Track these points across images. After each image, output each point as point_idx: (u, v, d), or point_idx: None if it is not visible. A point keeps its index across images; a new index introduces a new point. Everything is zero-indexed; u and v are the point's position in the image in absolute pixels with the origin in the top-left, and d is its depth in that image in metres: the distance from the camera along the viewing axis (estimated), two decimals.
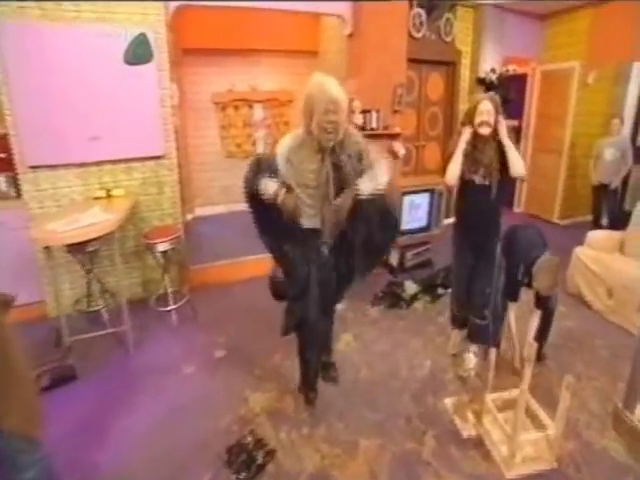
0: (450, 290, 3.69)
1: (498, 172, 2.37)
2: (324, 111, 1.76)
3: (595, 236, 3.72)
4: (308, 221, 2.06)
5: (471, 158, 2.40)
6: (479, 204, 2.47)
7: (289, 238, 2.09)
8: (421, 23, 4.72)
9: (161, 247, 2.90)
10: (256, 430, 2.20)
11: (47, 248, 2.52)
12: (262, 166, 2.01)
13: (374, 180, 1.95)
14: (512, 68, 5.48)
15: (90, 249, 2.70)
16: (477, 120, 2.34)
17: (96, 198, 3.11)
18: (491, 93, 2.48)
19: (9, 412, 1.22)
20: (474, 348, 2.74)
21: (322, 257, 2.10)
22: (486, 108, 2.33)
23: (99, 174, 3.23)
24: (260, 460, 1.99)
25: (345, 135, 1.93)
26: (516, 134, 6.33)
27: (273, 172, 1.97)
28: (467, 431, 2.23)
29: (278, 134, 6.26)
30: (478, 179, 2.41)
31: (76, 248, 2.59)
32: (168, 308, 3.14)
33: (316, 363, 2.36)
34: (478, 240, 2.56)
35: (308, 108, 1.82)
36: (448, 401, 2.43)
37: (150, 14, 3.15)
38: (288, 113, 6.27)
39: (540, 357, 2.71)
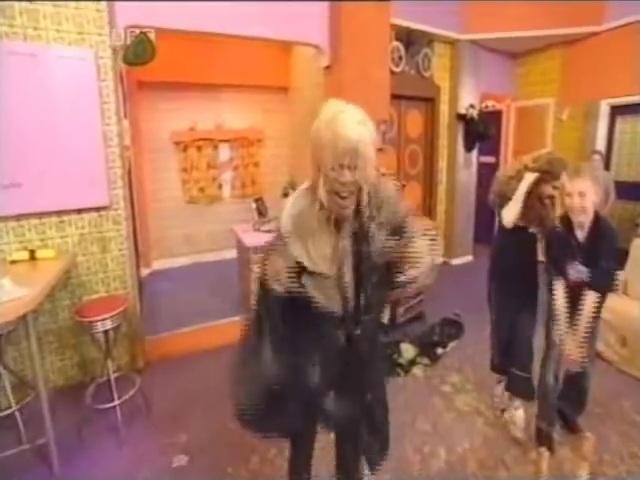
0: (450, 346, 3.39)
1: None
2: (337, 166, 1.16)
3: None
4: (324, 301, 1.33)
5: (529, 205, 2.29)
6: (530, 254, 2.42)
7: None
8: (400, 57, 4.55)
9: (102, 326, 2.24)
10: None
11: None
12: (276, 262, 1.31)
13: (426, 260, 1.33)
14: (491, 104, 5.37)
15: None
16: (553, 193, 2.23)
17: (13, 262, 2.39)
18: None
19: None
20: (518, 403, 2.48)
21: (335, 347, 1.39)
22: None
23: (19, 230, 2.54)
24: None
25: (375, 192, 1.30)
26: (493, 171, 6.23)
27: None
28: None
29: (247, 176, 5.78)
30: (533, 227, 2.35)
31: None
32: (110, 405, 2.41)
33: None
34: (523, 289, 2.45)
35: (315, 156, 1.19)
36: None
37: (90, 34, 2.62)
38: (258, 153, 5.81)
39: (576, 429, 2.37)
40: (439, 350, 3.36)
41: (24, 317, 1.87)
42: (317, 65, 3.76)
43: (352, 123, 1.15)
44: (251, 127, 5.68)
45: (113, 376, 2.46)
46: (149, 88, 4.75)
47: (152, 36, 2.83)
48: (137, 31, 2.77)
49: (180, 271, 5.25)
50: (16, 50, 2.38)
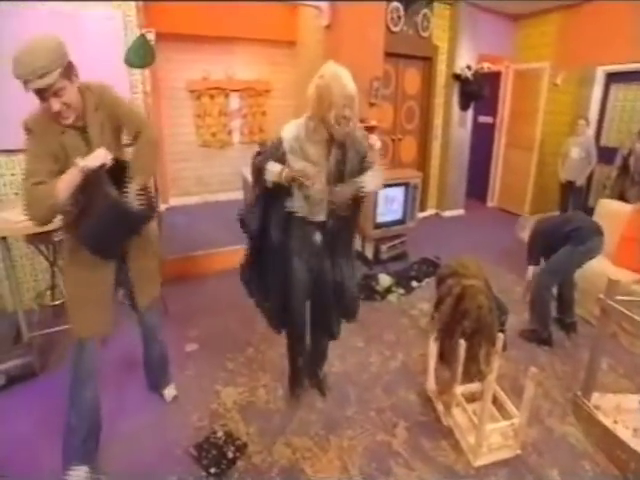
0: (426, 281, 3.84)
1: None
2: (342, 105, 1.69)
3: None
4: (307, 212, 1.98)
5: None
6: None
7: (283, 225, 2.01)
8: (399, 17, 4.76)
9: None
10: (227, 425, 2.18)
11: (3, 239, 2.36)
12: (267, 153, 1.91)
13: (377, 179, 1.99)
14: (487, 66, 5.57)
15: (56, 239, 2.56)
16: None
17: None
18: None
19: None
20: None
21: (314, 246, 2.03)
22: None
23: None
24: (230, 455, 1.97)
25: (354, 131, 1.89)
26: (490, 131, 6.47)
27: (279, 158, 1.87)
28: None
29: (254, 124, 6.19)
30: None
31: (39, 238, 2.45)
32: None
33: (299, 361, 2.35)
34: None
35: (325, 100, 1.71)
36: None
37: None
38: (265, 103, 6.19)
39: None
40: (414, 283, 3.86)
41: None
42: (319, 24, 4.05)
43: (349, 79, 1.72)
44: (259, 79, 6.02)
45: None
46: (166, 39, 5.04)
47: (151, 37, 3.08)
48: (137, 33, 3.01)
49: (193, 208, 5.80)
50: (59, 10, 2.80)
